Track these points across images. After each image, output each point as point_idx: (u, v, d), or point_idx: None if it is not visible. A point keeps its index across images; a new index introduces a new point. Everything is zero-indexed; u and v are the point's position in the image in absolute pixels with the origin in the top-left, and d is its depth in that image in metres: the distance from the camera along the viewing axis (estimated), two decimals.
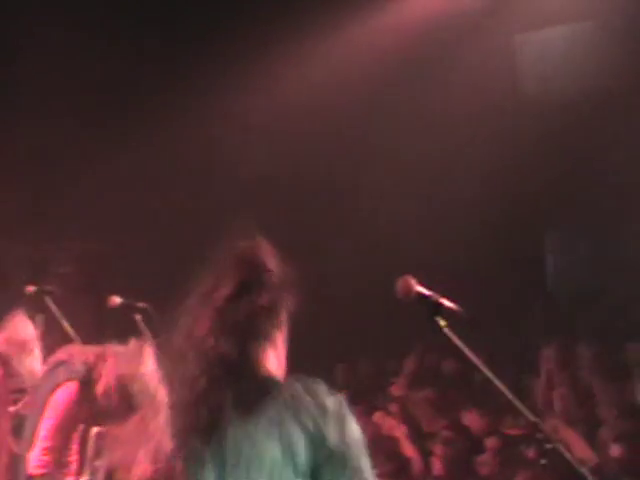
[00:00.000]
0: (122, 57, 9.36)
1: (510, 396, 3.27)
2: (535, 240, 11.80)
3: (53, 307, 5.85)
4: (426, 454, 6.71)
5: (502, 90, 10.57)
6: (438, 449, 6.47)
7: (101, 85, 9.55)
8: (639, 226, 10.82)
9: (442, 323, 3.24)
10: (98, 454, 5.00)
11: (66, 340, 5.37)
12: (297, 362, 3.19)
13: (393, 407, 7.67)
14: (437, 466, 6.41)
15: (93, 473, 5.03)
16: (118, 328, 5.27)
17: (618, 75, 10.72)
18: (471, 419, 7.08)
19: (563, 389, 7.08)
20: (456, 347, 3.24)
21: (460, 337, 3.23)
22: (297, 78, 9.93)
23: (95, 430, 5.07)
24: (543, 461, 3.26)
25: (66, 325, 5.51)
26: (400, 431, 7.03)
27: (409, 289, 3.25)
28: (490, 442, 6.63)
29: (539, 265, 11.99)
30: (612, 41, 10.74)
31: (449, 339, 3.23)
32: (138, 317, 5.18)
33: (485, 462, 6.46)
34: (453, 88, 10.12)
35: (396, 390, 7.64)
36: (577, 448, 5.89)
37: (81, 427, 4.88)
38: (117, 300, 5.26)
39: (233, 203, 9.15)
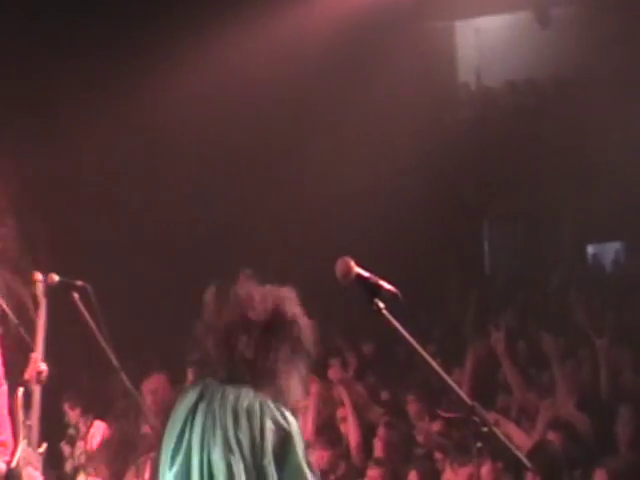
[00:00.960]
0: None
1: (448, 380, 3.29)
2: (474, 225, 11.92)
3: None
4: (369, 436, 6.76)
5: (440, 78, 10.64)
6: (380, 431, 6.52)
7: None
8: (577, 212, 10.97)
9: (380, 305, 3.24)
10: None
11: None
12: None
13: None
14: (379, 448, 6.46)
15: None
16: (56, 306, 5.22)
17: (556, 64, 10.85)
18: (410, 403, 7.15)
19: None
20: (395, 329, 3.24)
21: (398, 319, 3.23)
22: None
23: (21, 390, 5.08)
24: (479, 444, 3.26)
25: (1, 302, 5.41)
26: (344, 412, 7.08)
27: (348, 270, 3.25)
28: (427, 425, 6.70)
29: (478, 249, 12.13)
30: (549, 30, 10.86)
31: (387, 321, 3.23)
32: (76, 295, 5.11)
33: (423, 445, 6.53)
34: (391, 75, 10.16)
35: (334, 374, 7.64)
36: (515, 436, 5.96)
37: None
38: (55, 278, 5.18)
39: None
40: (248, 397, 3.19)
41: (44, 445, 5.28)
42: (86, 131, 9.34)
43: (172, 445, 3.19)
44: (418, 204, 10.25)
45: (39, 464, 5.16)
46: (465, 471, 5.51)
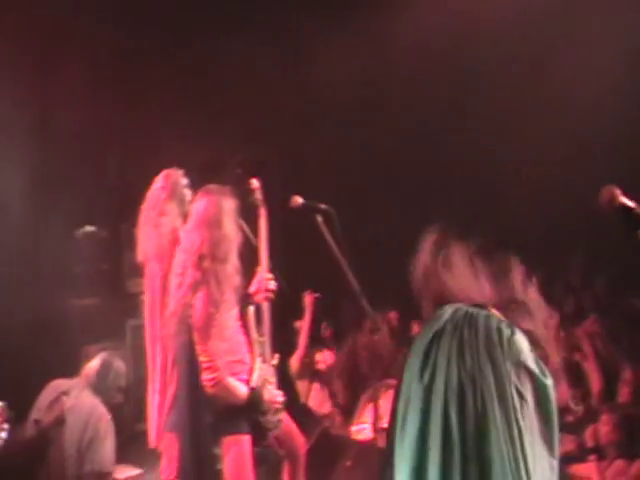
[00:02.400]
0: None
1: None
2: None
3: None
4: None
5: None
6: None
7: None
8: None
9: None
10: None
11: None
12: None
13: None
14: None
15: None
16: (299, 229, 5.29)
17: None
18: None
19: None
20: None
21: None
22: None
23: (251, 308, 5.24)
24: None
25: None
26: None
27: (613, 199, 3.07)
28: None
29: None
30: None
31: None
32: (319, 219, 5.15)
33: None
34: None
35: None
36: None
37: None
38: (299, 200, 5.22)
39: None
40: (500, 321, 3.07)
41: (276, 357, 5.41)
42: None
43: (419, 363, 3.12)
44: None
45: (274, 378, 5.27)
46: None
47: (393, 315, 8.64)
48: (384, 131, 9.60)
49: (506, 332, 2.98)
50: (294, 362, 8.05)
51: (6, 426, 5.87)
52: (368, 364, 7.18)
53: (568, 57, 9.03)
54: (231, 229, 5.04)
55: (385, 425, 6.66)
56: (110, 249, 8.43)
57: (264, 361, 5.23)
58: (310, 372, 8.05)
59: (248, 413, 5.03)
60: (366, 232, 8.70)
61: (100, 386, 6.32)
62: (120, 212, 8.40)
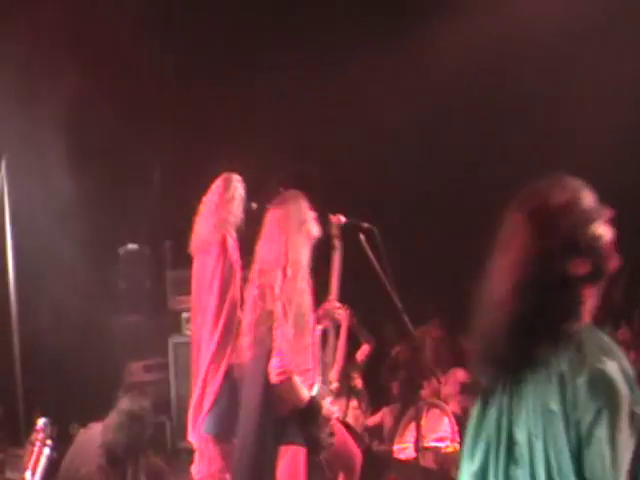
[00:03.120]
0: None
1: None
2: None
3: None
4: None
5: None
6: None
7: None
8: None
9: None
10: None
11: None
12: None
13: None
14: None
15: None
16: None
17: None
18: None
19: None
20: None
21: None
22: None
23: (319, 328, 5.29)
24: None
25: None
26: None
27: None
28: None
29: None
30: None
31: None
32: (362, 237, 5.18)
33: None
34: None
35: None
36: None
37: None
38: (342, 219, 5.26)
39: None
40: None
41: (335, 384, 5.46)
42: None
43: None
44: None
45: (331, 399, 5.32)
46: None
47: (435, 329, 8.61)
48: (430, 152, 9.59)
49: None
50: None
51: (50, 442, 5.89)
52: (409, 381, 7.17)
53: (613, 78, 8.95)
54: (304, 233, 5.12)
55: (427, 444, 6.67)
56: (153, 267, 8.48)
57: (324, 382, 5.28)
58: (347, 389, 8.03)
59: (306, 422, 5.04)
60: (410, 249, 8.67)
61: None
62: (163, 230, 8.46)
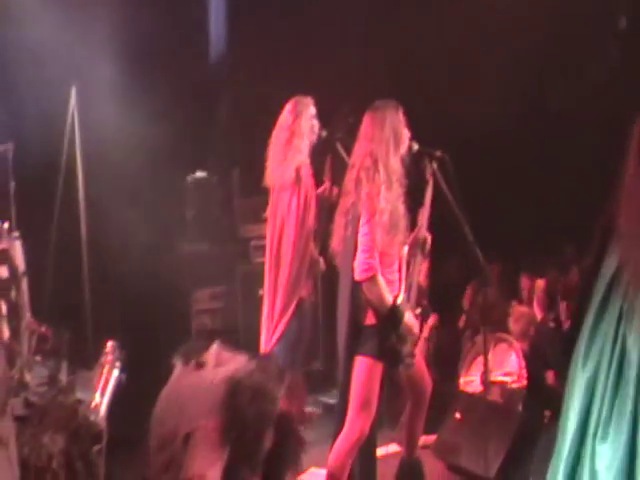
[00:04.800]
0: None
1: None
2: None
3: (341, 152, 6.29)
4: None
5: None
6: None
7: None
8: None
9: None
10: None
11: None
12: None
13: None
14: None
15: None
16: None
17: None
18: None
19: None
20: None
21: None
22: None
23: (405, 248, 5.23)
24: None
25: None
26: None
27: None
28: None
29: None
30: None
31: None
32: (434, 165, 5.10)
33: None
34: None
35: None
36: None
37: None
38: (415, 146, 5.18)
39: None
40: None
41: (419, 309, 5.42)
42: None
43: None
44: None
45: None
46: None
47: (496, 268, 8.50)
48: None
49: None
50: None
51: (118, 364, 5.97)
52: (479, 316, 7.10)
53: None
54: (391, 139, 5.06)
55: (494, 379, 6.61)
56: (221, 195, 8.46)
57: (408, 300, 5.20)
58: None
59: (387, 330, 4.97)
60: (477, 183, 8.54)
61: None
62: (232, 158, 8.43)
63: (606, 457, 2.78)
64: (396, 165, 5.02)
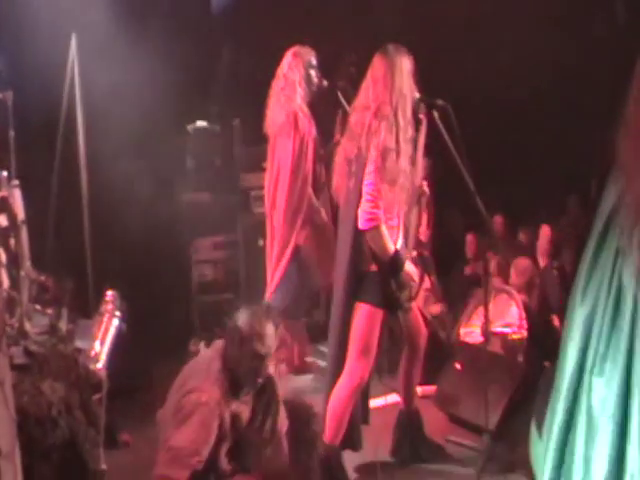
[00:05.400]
0: None
1: None
2: None
3: (343, 102, 6.38)
4: None
5: None
6: None
7: None
8: None
9: None
10: None
11: None
12: None
13: None
14: None
15: None
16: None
17: None
18: None
19: None
20: None
21: None
22: None
23: None
24: None
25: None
26: None
27: None
28: None
29: None
30: None
31: None
32: (435, 114, 5.05)
33: None
34: None
35: None
36: None
37: None
38: (416, 94, 5.12)
39: None
40: None
41: (414, 252, 5.43)
42: None
43: None
44: None
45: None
46: None
47: (499, 220, 8.47)
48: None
49: None
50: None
51: (118, 314, 5.98)
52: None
53: None
54: (405, 86, 5.02)
55: (495, 330, 6.61)
56: (223, 144, 8.41)
57: (405, 244, 5.23)
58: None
59: (387, 276, 4.98)
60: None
61: None
62: (233, 107, 8.36)
63: (601, 392, 2.79)
64: (409, 115, 5.01)
